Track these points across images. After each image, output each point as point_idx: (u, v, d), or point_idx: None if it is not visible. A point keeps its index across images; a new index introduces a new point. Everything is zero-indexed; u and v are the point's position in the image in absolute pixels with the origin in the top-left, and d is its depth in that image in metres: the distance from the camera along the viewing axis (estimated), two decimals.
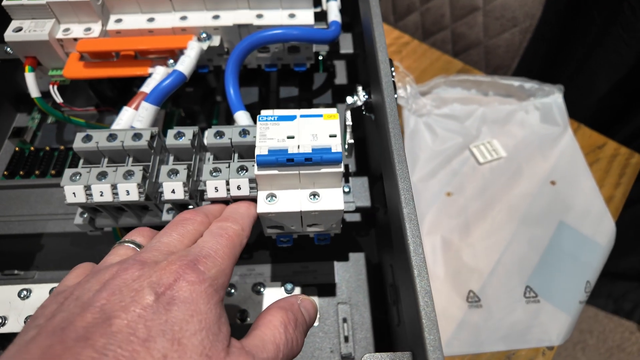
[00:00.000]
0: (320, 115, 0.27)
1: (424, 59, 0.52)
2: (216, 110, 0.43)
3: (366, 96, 0.32)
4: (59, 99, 0.35)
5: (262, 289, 0.31)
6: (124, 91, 0.43)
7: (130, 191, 0.25)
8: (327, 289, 0.34)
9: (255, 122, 0.30)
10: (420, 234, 0.20)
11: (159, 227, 0.31)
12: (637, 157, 0.46)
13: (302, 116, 0.27)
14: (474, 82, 0.48)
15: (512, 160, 0.44)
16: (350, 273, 0.35)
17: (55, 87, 0.36)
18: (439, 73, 0.51)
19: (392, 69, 0.29)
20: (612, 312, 1.05)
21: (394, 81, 0.28)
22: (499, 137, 0.45)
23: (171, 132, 0.26)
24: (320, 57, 0.42)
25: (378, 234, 0.36)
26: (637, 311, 1.03)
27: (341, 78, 0.47)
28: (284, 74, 0.41)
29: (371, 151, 0.38)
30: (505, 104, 0.47)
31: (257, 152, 0.24)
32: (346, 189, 0.33)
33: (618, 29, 0.72)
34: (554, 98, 0.47)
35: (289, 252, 0.36)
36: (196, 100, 0.40)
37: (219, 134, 0.26)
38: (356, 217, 0.37)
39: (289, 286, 0.32)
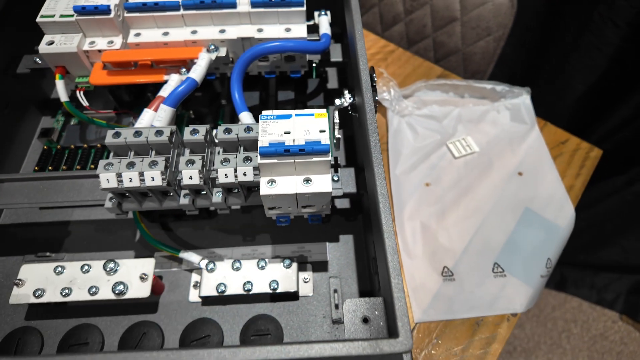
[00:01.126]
0: (312, 114, 0.32)
1: (407, 66, 0.58)
2: (221, 113, 0.48)
3: (351, 98, 0.37)
4: (85, 103, 0.40)
5: (264, 264, 0.36)
6: (139, 96, 0.48)
7: (155, 178, 0.30)
8: (320, 266, 0.39)
9: (257, 121, 0.36)
10: (389, 207, 0.25)
11: (176, 210, 0.36)
12: (596, 151, 0.51)
13: (297, 115, 0.32)
14: (452, 85, 0.53)
15: (484, 154, 0.49)
16: (340, 252, 0.40)
17: (82, 92, 0.41)
18: (421, 78, 0.57)
19: (374, 75, 0.34)
20: (596, 303, 1.09)
21: (374, 85, 0.33)
22: (473, 134, 0.51)
23: (187, 130, 0.32)
24: (314, 65, 0.48)
25: (364, 218, 0.41)
26: (618, 301, 1.06)
27: (332, 83, 0.53)
28: (282, 79, 0.47)
29: (357, 145, 0.43)
30: (479, 105, 0.53)
31: (259, 144, 0.30)
32: (335, 178, 0.38)
33: (590, 36, 0.78)
34: (523, 99, 0.53)
35: (288, 232, 0.41)
36: (204, 104, 0.45)
37: (228, 131, 0.32)
38: (346, 204, 0.43)
39: (287, 262, 0.37)
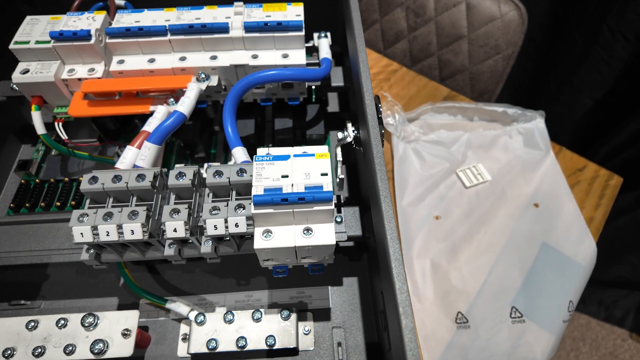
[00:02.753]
0: (312, 155, 0.29)
1: (411, 86, 0.54)
2: (214, 140, 0.45)
3: (355, 132, 0.34)
4: (64, 136, 0.37)
5: (260, 316, 0.33)
6: (125, 124, 0.45)
7: (134, 230, 0.26)
8: (322, 314, 0.36)
9: (251, 154, 0.32)
10: (404, 268, 0.22)
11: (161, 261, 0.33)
12: (616, 179, 0.48)
13: (295, 155, 0.29)
14: (460, 108, 0.50)
15: (497, 183, 0.46)
16: (344, 298, 0.37)
17: (60, 124, 0.38)
18: (426, 99, 0.53)
19: (380, 105, 0.31)
20: (604, 320, 1.06)
21: (380, 118, 0.30)
22: (484, 161, 0.47)
23: (173, 173, 0.28)
24: (313, 87, 0.44)
25: (370, 259, 0.38)
26: (627, 318, 1.04)
27: (333, 106, 0.49)
28: (279, 105, 0.43)
29: (362, 180, 0.39)
30: (490, 129, 0.50)
31: (253, 191, 0.26)
32: (338, 219, 0.34)
33: (598, 50, 0.75)
34: (536, 123, 0.50)
35: (286, 277, 0.37)
36: (195, 133, 0.42)
37: (218, 174, 0.28)
38: (349, 242, 0.39)
39: (285, 312, 0.33)
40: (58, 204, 0.39)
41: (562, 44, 0.80)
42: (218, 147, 0.45)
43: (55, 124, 0.37)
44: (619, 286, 1.01)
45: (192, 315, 0.33)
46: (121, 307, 0.36)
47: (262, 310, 0.33)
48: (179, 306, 0.34)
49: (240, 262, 0.38)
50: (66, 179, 0.41)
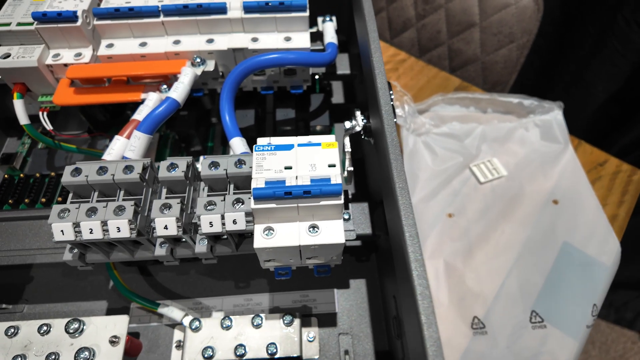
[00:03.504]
0: (319, 144, 0.26)
1: (421, 77, 0.52)
2: (211, 133, 0.42)
3: (364, 120, 0.31)
4: (48, 126, 0.34)
5: (260, 322, 0.30)
6: (115, 115, 0.42)
7: (121, 228, 0.24)
8: (327, 319, 0.33)
9: (251, 147, 0.29)
10: (425, 270, 0.19)
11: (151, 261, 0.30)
12: (639, 174, 0.45)
13: (299, 145, 0.26)
14: (472, 99, 0.47)
15: (514, 179, 0.43)
16: (351, 302, 0.34)
17: (45, 113, 0.35)
18: (436, 90, 0.50)
19: (391, 92, 0.28)
20: (614, 322, 1.04)
21: (392, 105, 0.27)
22: (499, 155, 0.45)
23: (164, 164, 0.25)
24: (317, 77, 0.42)
25: (379, 259, 0.35)
26: (638, 321, 1.02)
27: (338, 97, 0.47)
28: (281, 95, 0.41)
29: (370, 173, 0.37)
30: (505, 122, 0.47)
31: (253, 184, 0.23)
32: (346, 216, 0.32)
33: (613, 41, 0.72)
34: (554, 115, 0.47)
35: (288, 279, 0.35)
36: (191, 124, 0.39)
37: (214, 165, 0.25)
38: (356, 242, 0.36)
39: (287, 318, 0.30)
40: (44, 200, 0.37)
41: (575, 35, 0.77)
42: (216, 140, 0.42)
43: (40, 113, 0.35)
44: (629, 288, 0.99)
45: (186, 321, 0.30)
46: (110, 311, 0.34)
47: (262, 315, 0.30)
48: (172, 311, 0.31)
49: (239, 263, 0.35)
50: (52, 173, 0.38)
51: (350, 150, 0.29)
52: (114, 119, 0.42)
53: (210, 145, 0.41)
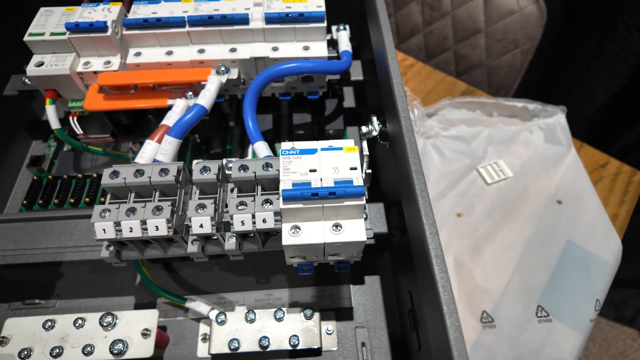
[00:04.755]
0: (340, 148, 0.28)
1: (428, 81, 0.53)
2: (229, 136, 0.44)
3: (381, 125, 0.33)
4: (79, 131, 0.36)
5: (282, 315, 0.32)
6: (138, 118, 0.44)
7: (159, 226, 0.25)
8: (344, 313, 0.35)
9: (272, 150, 0.31)
10: (446, 265, 0.21)
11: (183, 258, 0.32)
12: (639, 175, 0.47)
13: (322, 149, 0.28)
14: (479, 103, 0.49)
15: (519, 180, 0.45)
16: (366, 296, 0.36)
17: (75, 118, 0.37)
18: (443, 94, 0.52)
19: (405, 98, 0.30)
20: (614, 320, 1.05)
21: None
22: (505, 157, 0.46)
23: (197, 167, 0.27)
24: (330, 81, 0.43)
25: (393, 257, 0.37)
26: (638, 318, 1.03)
27: (349, 101, 0.48)
28: (296, 100, 0.42)
29: (383, 175, 0.38)
30: (510, 125, 0.49)
31: (281, 186, 0.25)
32: (364, 216, 0.33)
33: (613, 45, 0.74)
34: (557, 118, 0.49)
35: (305, 276, 0.36)
36: (211, 127, 0.41)
37: (244, 168, 0.27)
38: (370, 240, 0.38)
39: (308, 312, 0.32)
40: (72, 200, 0.39)
41: (575, 39, 0.79)
42: (234, 142, 0.44)
43: (70, 118, 0.36)
44: (629, 285, 1.00)
45: (212, 315, 0.32)
46: (137, 306, 0.35)
47: (284, 309, 0.32)
48: (200, 305, 0.33)
49: (259, 260, 0.37)
50: (79, 175, 0.40)
51: (368, 153, 0.31)
52: (136, 122, 0.43)
53: (229, 148, 0.43)
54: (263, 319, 0.32)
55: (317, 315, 0.32)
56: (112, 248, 0.28)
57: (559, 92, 0.86)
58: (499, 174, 0.45)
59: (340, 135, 0.43)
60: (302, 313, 0.32)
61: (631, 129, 0.83)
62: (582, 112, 0.85)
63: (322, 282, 0.36)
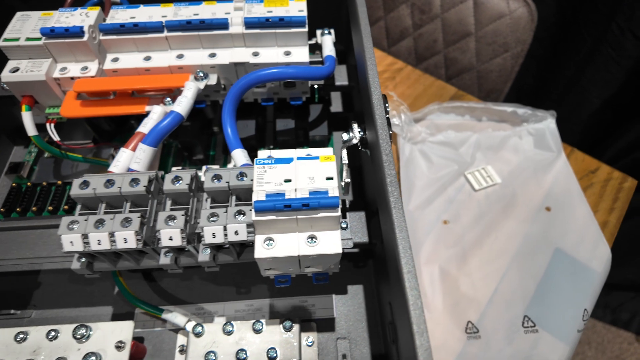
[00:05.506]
0: (317, 158, 0.27)
1: (417, 85, 0.53)
2: (213, 141, 0.43)
3: (361, 132, 0.32)
4: (56, 137, 0.35)
5: (261, 327, 0.31)
6: (120, 124, 0.43)
7: (127, 239, 0.25)
8: (326, 324, 0.34)
9: (252, 156, 0.31)
10: (417, 280, 0.20)
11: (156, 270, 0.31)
12: (630, 181, 0.46)
13: (299, 158, 0.27)
14: (468, 108, 0.48)
15: (507, 186, 0.44)
16: (349, 307, 0.35)
17: (52, 125, 0.36)
18: (432, 98, 0.52)
19: (387, 105, 0.29)
20: (610, 323, 1.05)
21: (387, 118, 0.28)
22: (494, 163, 0.46)
23: (169, 177, 0.27)
24: (316, 87, 0.43)
25: (376, 266, 0.36)
26: (634, 321, 1.03)
27: (336, 106, 0.48)
28: (281, 106, 0.42)
29: (367, 182, 0.38)
30: (499, 130, 0.48)
31: (254, 197, 0.25)
32: (344, 225, 0.33)
33: (607, 48, 0.74)
34: (547, 124, 0.48)
35: (288, 286, 0.36)
36: (194, 134, 0.40)
37: (217, 178, 0.27)
38: (354, 249, 0.37)
39: (287, 323, 0.31)
40: (50, 208, 0.38)
41: (570, 42, 0.79)
42: (217, 148, 0.43)
43: (47, 124, 0.36)
44: (625, 289, 0.99)
45: (189, 326, 0.31)
46: (116, 317, 0.35)
47: (263, 320, 0.32)
48: (176, 317, 0.32)
49: (240, 270, 0.37)
50: (59, 182, 0.39)
51: (347, 162, 0.30)
52: (118, 128, 0.43)
53: (212, 154, 0.42)
54: (241, 330, 0.31)
55: (296, 327, 0.32)
56: (83, 259, 0.28)
57: (552, 96, 0.86)
58: (487, 180, 0.44)
59: (325, 141, 0.42)
60: (281, 325, 0.32)
61: (624, 134, 0.82)
62: (576, 117, 0.84)
63: (304, 292, 0.36)
